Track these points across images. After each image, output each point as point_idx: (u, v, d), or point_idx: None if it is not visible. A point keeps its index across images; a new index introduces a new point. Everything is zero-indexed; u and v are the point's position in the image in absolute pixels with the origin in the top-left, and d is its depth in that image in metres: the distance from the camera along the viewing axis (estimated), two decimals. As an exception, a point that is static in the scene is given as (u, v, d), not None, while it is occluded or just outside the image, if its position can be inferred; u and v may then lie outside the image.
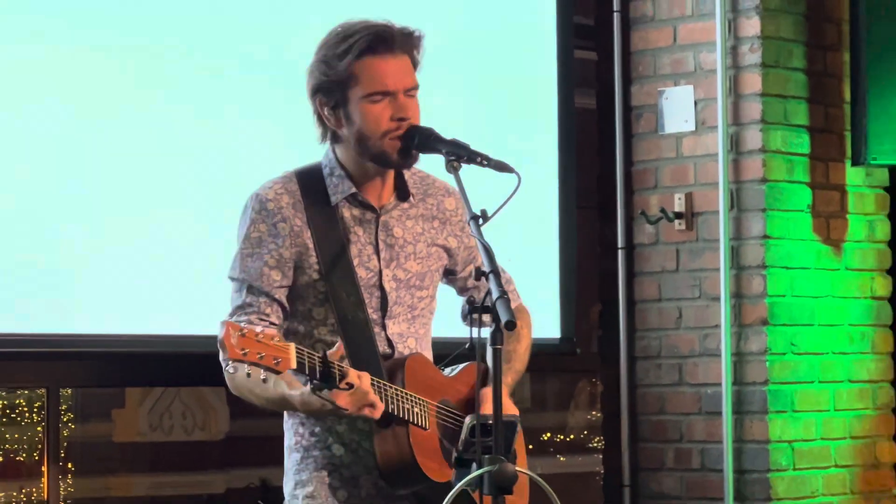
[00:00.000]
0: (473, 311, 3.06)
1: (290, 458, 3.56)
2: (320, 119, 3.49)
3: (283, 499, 3.79)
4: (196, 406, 6.65)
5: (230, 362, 3.17)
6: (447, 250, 3.55)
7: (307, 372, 3.16)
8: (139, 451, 6.73)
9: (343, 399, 3.20)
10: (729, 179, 5.56)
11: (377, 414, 3.29)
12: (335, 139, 3.51)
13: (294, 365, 3.14)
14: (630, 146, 5.85)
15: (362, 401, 3.23)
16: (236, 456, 6.58)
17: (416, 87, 3.44)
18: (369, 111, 3.40)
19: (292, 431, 3.58)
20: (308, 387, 3.23)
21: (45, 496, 5.26)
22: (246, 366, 3.13)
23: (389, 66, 3.41)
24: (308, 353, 3.20)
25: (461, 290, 3.60)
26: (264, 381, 3.29)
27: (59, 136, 4.93)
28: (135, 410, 6.65)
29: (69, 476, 5.97)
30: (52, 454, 5.20)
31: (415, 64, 3.49)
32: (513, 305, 3.35)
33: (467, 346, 3.30)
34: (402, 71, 3.44)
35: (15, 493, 6.08)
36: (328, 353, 3.23)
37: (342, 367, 3.21)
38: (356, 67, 3.38)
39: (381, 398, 3.31)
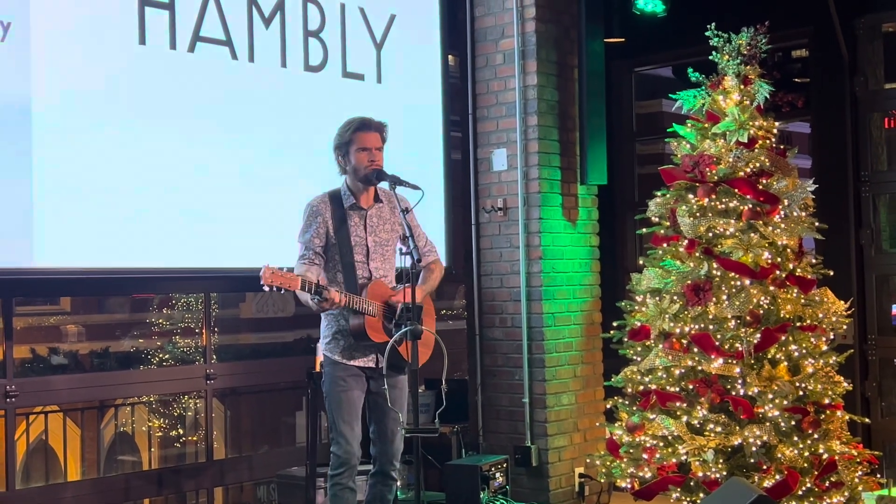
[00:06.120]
0: (402, 253, 4.40)
1: (323, 325, 4.76)
2: (337, 162, 4.68)
3: (313, 342, 5.36)
4: (279, 300, 8.87)
5: (265, 285, 4.20)
6: (400, 235, 4.65)
7: (307, 290, 4.31)
8: (251, 322, 9.02)
9: (324, 303, 4.40)
10: (523, 192, 6.96)
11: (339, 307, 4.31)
12: (344, 172, 4.69)
13: (299, 287, 4.26)
14: (478, 177, 7.25)
15: (332, 303, 4.40)
16: (297, 323, 8.02)
17: (381, 147, 4.65)
18: (359, 156, 4.62)
19: (328, 315, 4.73)
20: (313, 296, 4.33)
21: (204, 343, 6.76)
22: (272, 287, 4.17)
23: (369, 136, 4.64)
24: (309, 282, 4.25)
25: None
26: (291, 288, 4.12)
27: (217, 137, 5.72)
28: (250, 303, 8.88)
29: (216, 334, 7.40)
30: (207, 323, 6.77)
31: (383, 136, 4.69)
32: (433, 258, 4.76)
33: (399, 270, 4.31)
34: (375, 139, 4.66)
35: (188, 342, 8.46)
36: (320, 283, 4.30)
37: (326, 289, 4.33)
38: (354, 136, 4.65)
39: (350, 302, 4.41)
